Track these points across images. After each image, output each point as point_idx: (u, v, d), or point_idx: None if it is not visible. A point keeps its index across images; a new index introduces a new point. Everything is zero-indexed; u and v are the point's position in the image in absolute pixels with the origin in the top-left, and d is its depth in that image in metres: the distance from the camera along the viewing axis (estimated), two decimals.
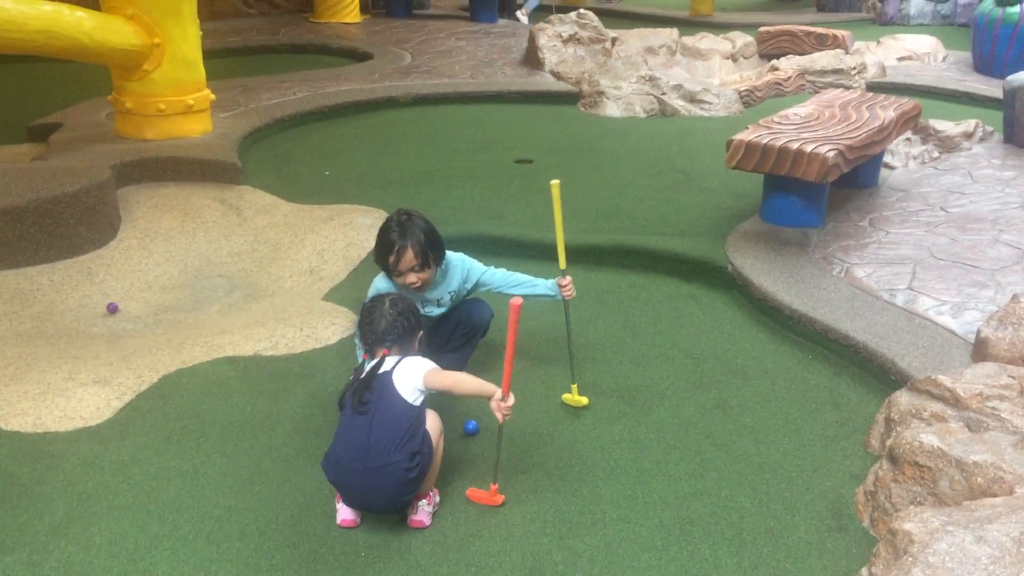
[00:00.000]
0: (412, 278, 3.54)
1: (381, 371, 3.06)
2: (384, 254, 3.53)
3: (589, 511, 3.11)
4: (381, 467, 2.89)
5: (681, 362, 4.16)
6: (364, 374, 3.07)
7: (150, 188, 5.85)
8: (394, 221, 3.54)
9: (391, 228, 3.52)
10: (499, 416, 3.03)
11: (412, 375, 3.06)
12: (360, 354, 3.40)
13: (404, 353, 3.17)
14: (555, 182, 3.55)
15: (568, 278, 3.74)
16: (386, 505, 2.96)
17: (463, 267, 3.79)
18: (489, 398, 3.03)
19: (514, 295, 3.77)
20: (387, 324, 3.16)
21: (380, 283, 3.67)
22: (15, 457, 3.32)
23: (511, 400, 3.04)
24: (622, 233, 5.40)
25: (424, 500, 3.04)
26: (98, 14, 6.08)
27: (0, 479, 3.19)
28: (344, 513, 3.03)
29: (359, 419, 2.98)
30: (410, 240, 3.47)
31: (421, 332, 3.31)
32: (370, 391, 3.02)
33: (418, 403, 3.03)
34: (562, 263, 3.73)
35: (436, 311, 3.78)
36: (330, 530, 2.99)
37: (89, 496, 3.13)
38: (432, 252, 3.54)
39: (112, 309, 4.59)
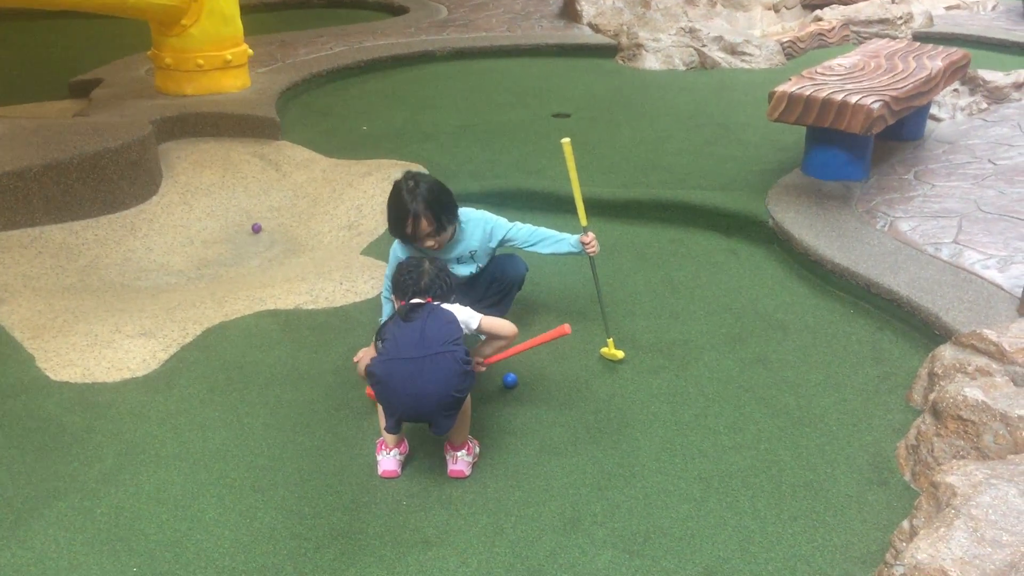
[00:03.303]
0: (430, 242, 3.50)
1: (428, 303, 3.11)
2: (399, 225, 3.47)
3: (628, 463, 3.12)
4: (438, 354, 2.91)
5: (721, 316, 4.14)
6: (410, 304, 3.09)
7: (190, 143, 5.90)
8: (403, 189, 3.44)
9: (401, 197, 3.43)
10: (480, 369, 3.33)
11: (460, 310, 3.11)
12: (387, 309, 3.41)
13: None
14: (566, 140, 3.53)
15: (591, 235, 3.71)
16: (438, 398, 2.89)
17: (485, 225, 3.72)
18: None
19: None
20: (429, 280, 3.16)
21: (400, 251, 3.62)
22: (65, 407, 3.40)
23: (482, 368, 3.36)
24: (661, 187, 5.35)
25: (463, 450, 3.07)
26: None
27: (51, 428, 3.28)
28: (385, 464, 3.07)
29: (409, 324, 3.01)
30: (421, 206, 3.40)
31: (454, 296, 3.28)
32: (419, 310, 3.05)
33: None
34: (583, 220, 3.72)
35: (464, 270, 3.73)
36: (372, 479, 3.03)
37: (137, 445, 3.20)
38: (445, 214, 3.48)
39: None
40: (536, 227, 3.83)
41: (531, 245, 3.80)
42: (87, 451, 3.17)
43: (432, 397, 2.89)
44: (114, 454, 3.15)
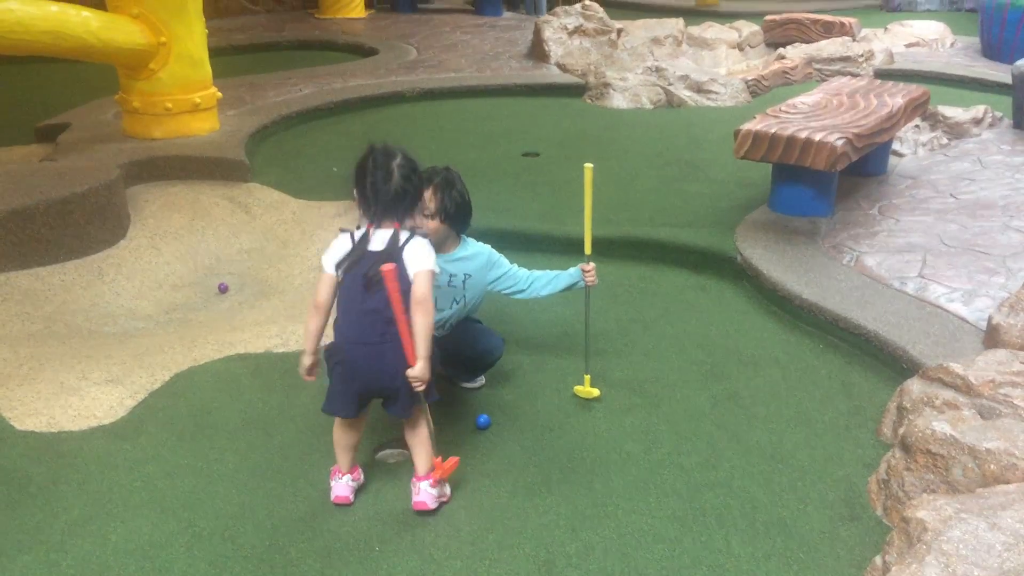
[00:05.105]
0: (419, 220, 3.31)
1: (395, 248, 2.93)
2: None
3: (602, 503, 3.11)
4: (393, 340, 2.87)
5: (692, 353, 4.16)
6: (381, 249, 2.93)
7: (159, 187, 5.87)
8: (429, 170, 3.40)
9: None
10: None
11: (417, 262, 2.93)
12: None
13: (412, 230, 3.03)
14: (588, 165, 3.51)
15: (592, 264, 3.68)
16: (403, 375, 2.89)
17: (489, 257, 3.67)
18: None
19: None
20: (397, 192, 2.96)
21: None
22: (30, 457, 3.33)
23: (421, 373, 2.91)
24: (630, 225, 5.39)
25: (427, 481, 3.04)
26: (104, 14, 6.10)
27: (16, 479, 3.21)
28: (338, 490, 3.08)
29: (372, 298, 2.88)
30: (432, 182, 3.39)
31: (419, 206, 3.19)
32: (379, 281, 2.84)
33: None
34: (587, 249, 3.69)
35: (444, 304, 3.57)
36: (344, 525, 3.00)
37: (104, 494, 3.15)
38: (449, 198, 3.41)
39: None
40: (531, 271, 3.77)
41: (529, 287, 3.74)
42: (53, 502, 3.10)
43: (397, 373, 2.90)
44: (81, 504, 3.09)
